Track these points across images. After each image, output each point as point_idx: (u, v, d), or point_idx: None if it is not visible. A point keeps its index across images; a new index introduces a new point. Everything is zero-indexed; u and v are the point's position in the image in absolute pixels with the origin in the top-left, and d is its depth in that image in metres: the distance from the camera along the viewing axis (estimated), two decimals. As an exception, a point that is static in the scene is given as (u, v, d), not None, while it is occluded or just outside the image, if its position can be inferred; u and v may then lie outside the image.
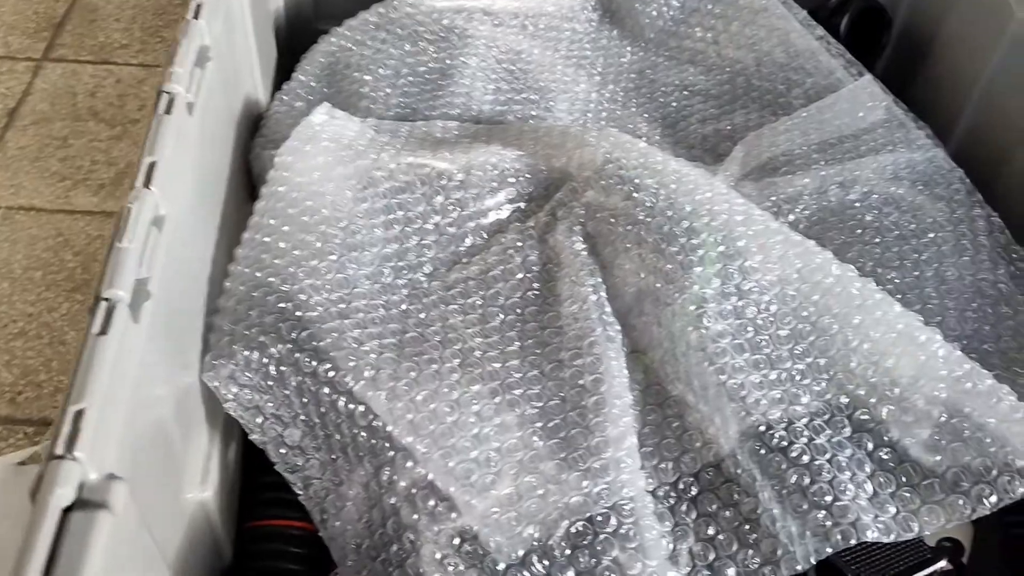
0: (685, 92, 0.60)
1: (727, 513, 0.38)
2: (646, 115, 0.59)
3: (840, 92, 0.55)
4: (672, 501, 0.39)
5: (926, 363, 0.39)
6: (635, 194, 0.45)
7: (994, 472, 0.36)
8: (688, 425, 0.41)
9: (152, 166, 0.37)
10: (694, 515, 0.38)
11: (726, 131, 0.57)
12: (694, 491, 0.39)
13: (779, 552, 0.36)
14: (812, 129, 0.54)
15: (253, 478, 0.45)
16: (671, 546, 0.37)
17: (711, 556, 0.37)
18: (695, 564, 0.37)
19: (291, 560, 0.43)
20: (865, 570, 0.38)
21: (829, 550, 0.35)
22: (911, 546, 0.38)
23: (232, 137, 0.50)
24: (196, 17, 0.45)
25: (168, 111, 0.40)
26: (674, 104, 0.59)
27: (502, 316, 0.43)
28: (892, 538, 0.36)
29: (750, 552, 0.37)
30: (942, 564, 0.38)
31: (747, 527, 0.37)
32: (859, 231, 0.48)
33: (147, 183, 0.37)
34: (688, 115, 0.59)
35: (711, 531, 0.38)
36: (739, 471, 0.38)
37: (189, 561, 0.38)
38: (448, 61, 0.57)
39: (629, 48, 0.64)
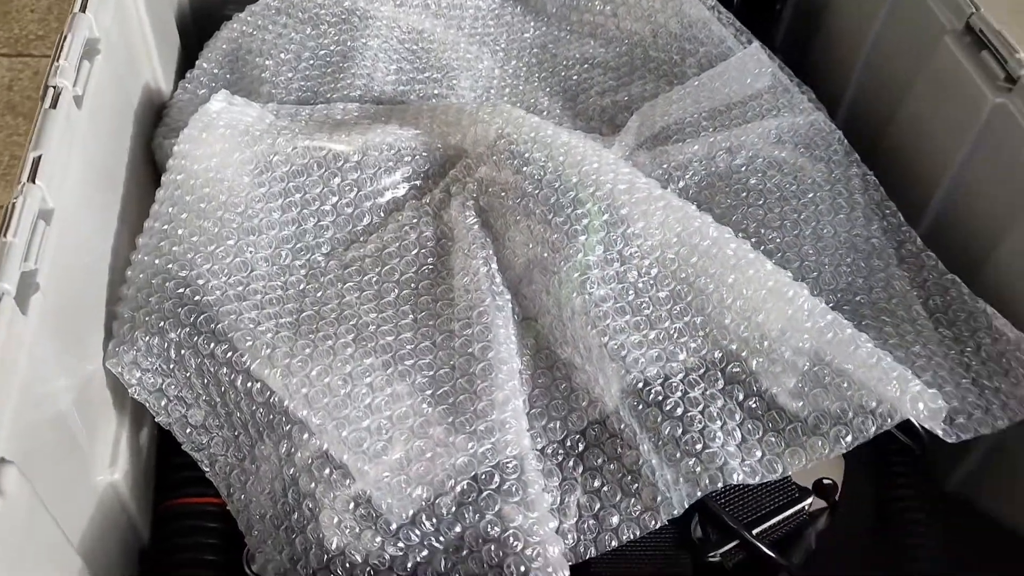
0: (585, 65, 0.61)
1: (611, 466, 0.40)
2: (547, 89, 0.60)
3: (729, 60, 0.57)
4: (560, 457, 0.41)
5: (793, 316, 0.41)
6: (524, 168, 0.47)
7: (850, 414, 0.39)
8: (575, 386, 0.43)
9: (37, 160, 0.38)
10: (581, 469, 0.41)
11: (623, 102, 0.58)
12: (581, 447, 0.41)
13: (658, 499, 0.39)
14: (703, 97, 0.56)
15: (168, 459, 0.46)
16: (558, 499, 0.40)
17: (596, 506, 0.40)
18: (582, 515, 0.40)
19: (207, 536, 0.44)
20: (739, 512, 0.40)
21: (699, 494, 0.38)
22: (781, 487, 0.41)
23: (131, 128, 0.50)
24: (83, 10, 0.45)
25: (53, 106, 0.40)
26: (575, 77, 0.61)
27: (397, 291, 0.45)
28: (758, 479, 0.38)
29: (632, 501, 0.39)
30: (810, 501, 0.41)
31: (629, 478, 0.40)
32: (744, 194, 0.51)
33: (32, 178, 0.38)
34: (588, 87, 0.60)
35: (597, 483, 0.40)
36: (622, 426, 0.41)
37: (102, 543, 0.39)
38: (349, 43, 0.58)
39: (532, 23, 0.65)
